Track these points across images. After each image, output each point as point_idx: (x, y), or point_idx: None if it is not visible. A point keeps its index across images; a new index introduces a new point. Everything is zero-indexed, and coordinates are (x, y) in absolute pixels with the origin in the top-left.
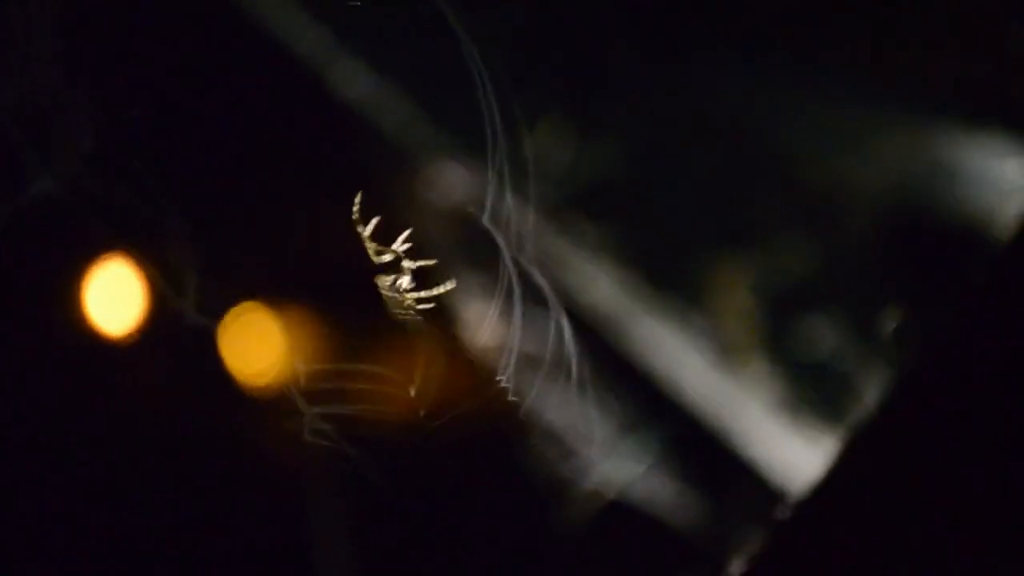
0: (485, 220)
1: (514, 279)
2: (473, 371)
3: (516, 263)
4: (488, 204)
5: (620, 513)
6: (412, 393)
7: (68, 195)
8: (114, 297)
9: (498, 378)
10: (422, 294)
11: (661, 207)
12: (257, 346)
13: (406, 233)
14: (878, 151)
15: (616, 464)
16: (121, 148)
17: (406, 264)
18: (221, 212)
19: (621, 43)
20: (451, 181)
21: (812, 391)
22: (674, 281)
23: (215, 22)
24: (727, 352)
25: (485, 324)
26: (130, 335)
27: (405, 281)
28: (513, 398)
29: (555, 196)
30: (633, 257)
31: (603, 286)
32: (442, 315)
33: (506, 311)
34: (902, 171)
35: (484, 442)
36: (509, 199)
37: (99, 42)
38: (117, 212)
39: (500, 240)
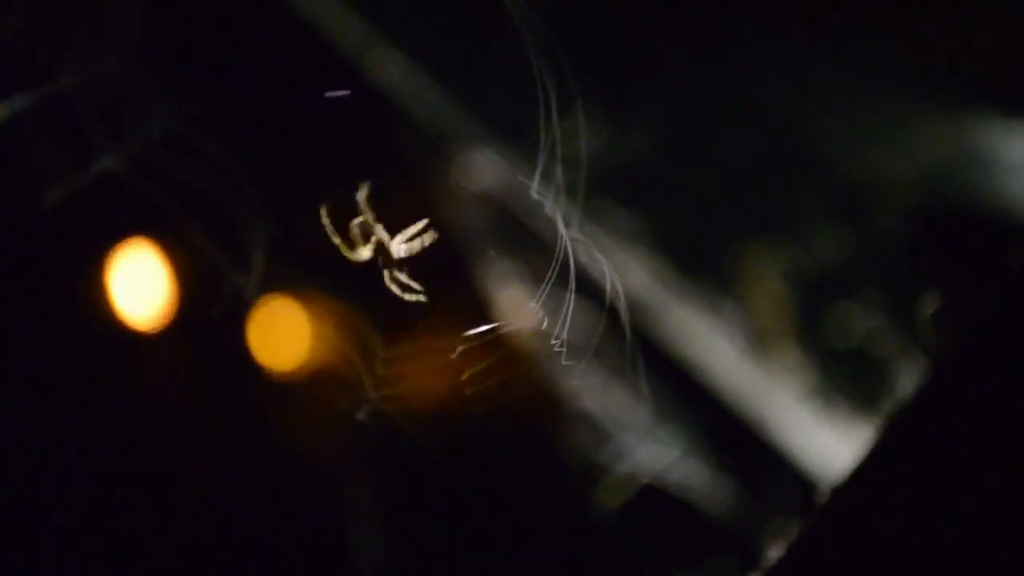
0: (535, 200)
1: (569, 261)
2: (513, 355)
3: (570, 244)
4: (536, 185)
5: (653, 499)
6: (470, 388)
7: (134, 174)
8: (157, 281)
9: (539, 362)
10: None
11: (694, 195)
12: (296, 331)
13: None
14: (912, 139)
15: (650, 450)
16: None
17: (396, 247)
18: (262, 199)
19: (656, 31)
20: (486, 167)
21: (845, 379)
22: (707, 269)
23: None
24: (760, 340)
25: (526, 308)
26: (175, 318)
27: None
28: (552, 382)
29: (589, 183)
30: (666, 245)
31: (636, 274)
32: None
33: (551, 295)
34: (936, 159)
35: (521, 426)
36: (559, 181)
37: (156, 25)
38: (180, 192)
39: (557, 220)
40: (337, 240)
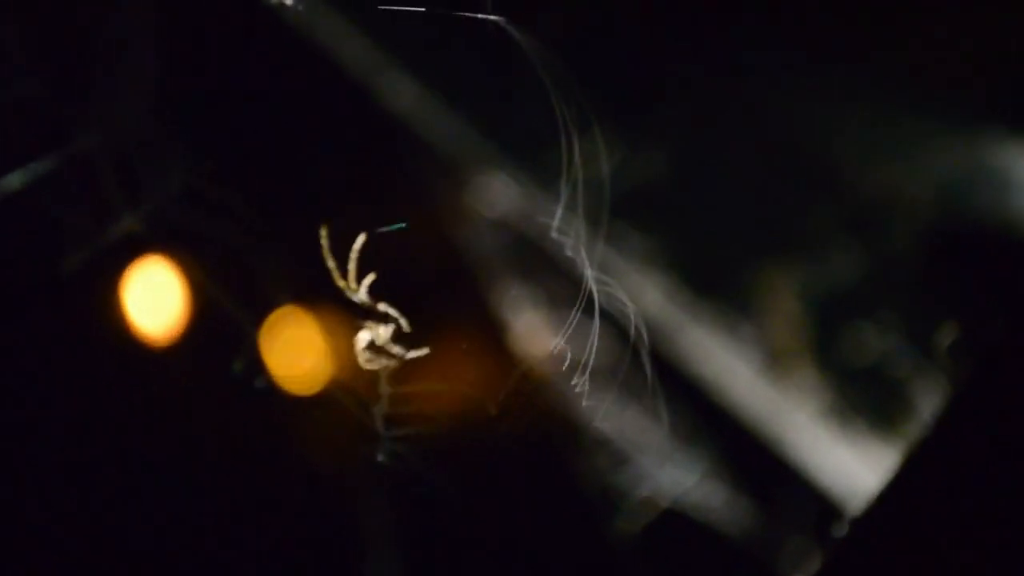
0: (555, 230)
1: (591, 288)
2: (530, 381)
3: (590, 273)
4: (558, 214)
5: (672, 520)
6: (493, 411)
7: (152, 232)
8: (166, 305)
9: (556, 387)
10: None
11: (709, 215)
12: (303, 353)
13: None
14: (928, 157)
15: (669, 472)
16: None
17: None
18: (277, 225)
19: (669, 51)
20: (501, 192)
21: (861, 398)
22: (723, 289)
23: (266, 36)
24: (776, 360)
25: (542, 333)
26: (179, 341)
27: (383, 331)
28: (570, 407)
29: (603, 205)
30: (682, 266)
31: (652, 295)
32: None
33: (568, 319)
34: (952, 177)
35: (539, 451)
36: (581, 209)
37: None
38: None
39: (578, 252)
40: (332, 265)
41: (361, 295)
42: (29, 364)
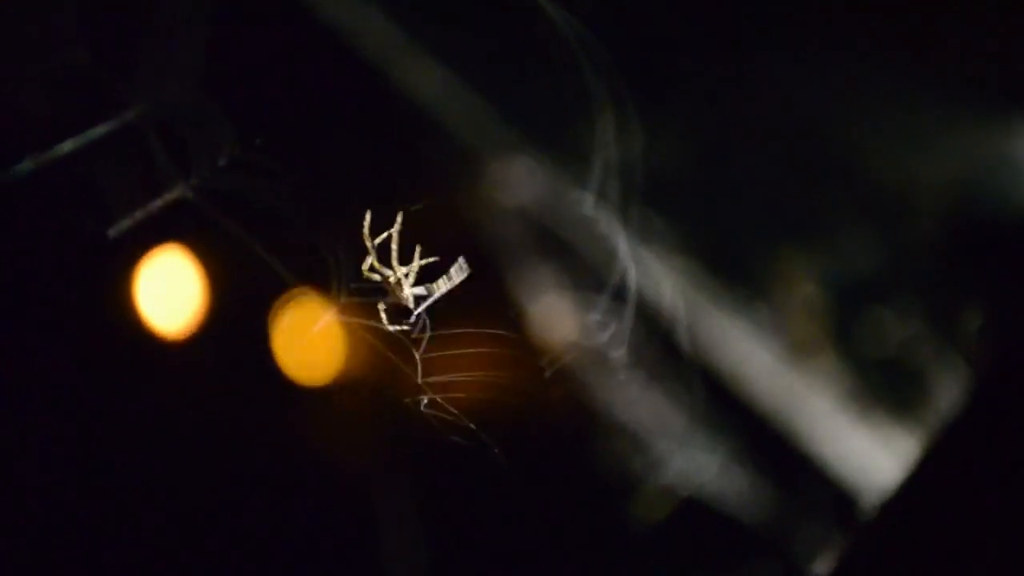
0: (583, 215)
1: (622, 274)
2: (556, 364)
3: (620, 258)
4: (588, 199)
5: (693, 508)
6: (546, 372)
7: (202, 200)
8: (185, 291)
9: (588, 372)
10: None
11: (729, 203)
12: (330, 343)
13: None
14: (948, 146)
15: (688, 460)
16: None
17: (409, 291)
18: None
19: (689, 40)
20: (525, 177)
21: (882, 386)
22: (745, 278)
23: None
24: (797, 347)
25: (568, 317)
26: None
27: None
28: (594, 392)
29: (632, 190)
30: (703, 254)
31: (674, 283)
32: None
33: (595, 303)
34: (972, 166)
35: (566, 434)
36: (610, 194)
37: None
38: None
39: (607, 237)
40: (370, 247)
41: (401, 274)
42: (57, 354)
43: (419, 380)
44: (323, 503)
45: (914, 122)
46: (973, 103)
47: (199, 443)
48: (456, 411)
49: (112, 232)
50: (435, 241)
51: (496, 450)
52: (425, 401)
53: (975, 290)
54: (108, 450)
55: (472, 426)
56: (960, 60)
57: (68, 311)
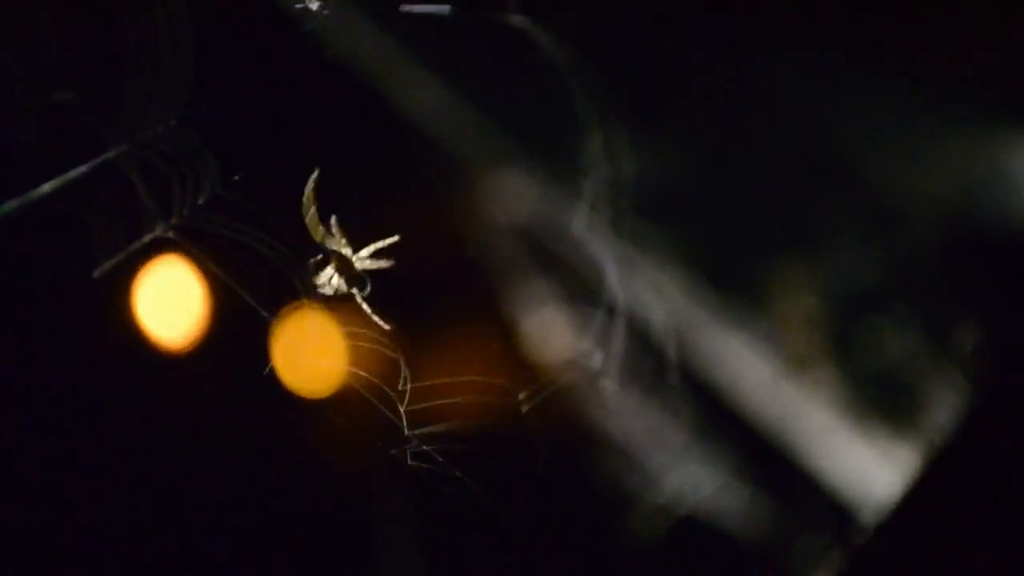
0: (576, 229)
1: (614, 288)
2: (553, 381)
3: (612, 272)
4: (580, 213)
5: (690, 523)
6: (523, 407)
7: (182, 239)
8: (189, 308)
9: (581, 388)
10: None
11: (726, 214)
12: (322, 353)
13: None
14: (947, 157)
15: (685, 475)
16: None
17: (359, 263)
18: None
19: (685, 49)
20: (517, 190)
21: (880, 399)
22: (741, 290)
23: (290, 42)
24: (794, 360)
25: (560, 333)
26: (203, 344)
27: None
28: (588, 408)
29: (624, 204)
30: (699, 266)
31: (670, 295)
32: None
33: (587, 318)
34: (970, 177)
35: (560, 451)
36: (602, 208)
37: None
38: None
39: (599, 251)
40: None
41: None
42: (57, 369)
43: (406, 432)
44: (321, 512)
45: (912, 135)
46: (974, 112)
47: (197, 451)
48: (442, 459)
49: (97, 273)
50: (427, 254)
51: (484, 498)
52: (411, 451)
53: (973, 303)
54: (104, 460)
55: (459, 475)
56: (959, 70)
57: (64, 323)
